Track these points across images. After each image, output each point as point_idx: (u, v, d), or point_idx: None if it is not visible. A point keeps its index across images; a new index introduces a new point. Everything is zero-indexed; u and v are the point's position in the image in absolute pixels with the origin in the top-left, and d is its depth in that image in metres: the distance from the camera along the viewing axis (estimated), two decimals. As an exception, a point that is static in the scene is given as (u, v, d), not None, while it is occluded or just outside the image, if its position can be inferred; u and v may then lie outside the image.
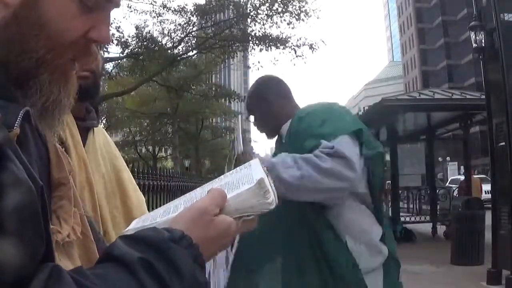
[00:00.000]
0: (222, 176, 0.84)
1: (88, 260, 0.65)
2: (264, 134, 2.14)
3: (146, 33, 17.04)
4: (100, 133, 1.54)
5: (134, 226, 0.77)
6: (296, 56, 16.71)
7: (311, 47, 16.68)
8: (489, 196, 8.21)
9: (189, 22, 17.22)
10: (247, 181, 0.73)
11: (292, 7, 15.99)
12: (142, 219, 0.80)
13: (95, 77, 1.40)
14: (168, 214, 0.74)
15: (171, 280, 0.58)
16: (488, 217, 6.96)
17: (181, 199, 0.80)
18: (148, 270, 0.57)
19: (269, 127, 2.11)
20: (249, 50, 17.94)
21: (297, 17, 16.05)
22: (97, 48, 1.41)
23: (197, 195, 0.76)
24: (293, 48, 16.61)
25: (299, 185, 1.65)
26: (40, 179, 0.55)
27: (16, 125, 0.57)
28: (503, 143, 6.29)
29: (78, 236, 0.66)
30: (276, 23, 16.35)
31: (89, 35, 0.64)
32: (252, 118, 2.12)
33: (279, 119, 2.06)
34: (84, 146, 1.40)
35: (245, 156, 1.52)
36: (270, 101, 2.06)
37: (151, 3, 16.72)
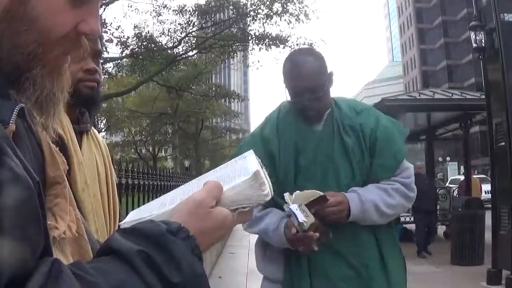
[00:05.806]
0: (217, 168, 0.85)
1: (81, 258, 0.65)
2: (308, 117, 1.83)
3: (146, 33, 17.05)
4: (93, 135, 1.54)
5: (131, 219, 0.77)
6: (298, 56, 16.63)
7: (311, 46, 16.65)
8: (489, 196, 8.21)
9: (189, 22, 17.23)
10: (243, 173, 0.74)
11: (292, 7, 15.98)
12: (138, 212, 0.81)
13: (99, 86, 1.48)
14: (164, 206, 0.74)
15: (170, 272, 0.59)
16: (488, 217, 6.95)
17: (177, 191, 0.80)
18: (147, 262, 0.58)
19: (321, 110, 1.83)
20: (249, 49, 17.96)
21: (296, 17, 16.05)
22: (99, 60, 1.44)
23: (194, 188, 0.76)
24: (293, 48, 16.60)
25: (394, 214, 1.84)
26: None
27: (11, 121, 0.57)
28: (503, 143, 6.29)
29: (74, 234, 0.66)
30: (276, 22, 16.35)
31: (79, 29, 0.64)
32: (308, 96, 1.77)
33: (328, 102, 1.85)
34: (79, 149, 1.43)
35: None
36: (331, 80, 1.82)
37: (151, 3, 16.74)
